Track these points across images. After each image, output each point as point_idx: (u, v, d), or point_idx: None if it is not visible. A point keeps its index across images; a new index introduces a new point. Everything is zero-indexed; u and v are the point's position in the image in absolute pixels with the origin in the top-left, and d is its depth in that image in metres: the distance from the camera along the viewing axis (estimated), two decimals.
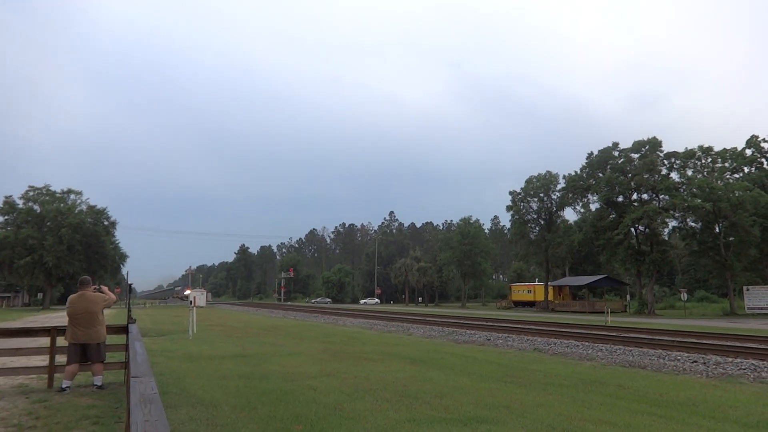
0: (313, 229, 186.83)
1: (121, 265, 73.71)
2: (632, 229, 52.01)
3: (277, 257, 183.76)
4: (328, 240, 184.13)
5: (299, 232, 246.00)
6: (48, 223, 65.04)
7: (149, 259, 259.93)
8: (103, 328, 9.30)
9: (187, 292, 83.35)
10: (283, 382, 10.31)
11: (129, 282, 13.25)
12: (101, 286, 9.86)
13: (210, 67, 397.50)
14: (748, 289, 48.09)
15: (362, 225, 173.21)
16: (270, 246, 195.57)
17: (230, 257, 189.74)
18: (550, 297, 65.04)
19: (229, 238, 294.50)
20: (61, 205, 66.75)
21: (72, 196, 68.96)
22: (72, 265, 64.09)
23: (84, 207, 69.56)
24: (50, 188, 67.90)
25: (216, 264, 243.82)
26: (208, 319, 34.34)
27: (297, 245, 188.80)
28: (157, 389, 2.97)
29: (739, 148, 55.39)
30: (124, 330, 9.39)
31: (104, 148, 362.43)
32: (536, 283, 74.03)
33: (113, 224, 71.87)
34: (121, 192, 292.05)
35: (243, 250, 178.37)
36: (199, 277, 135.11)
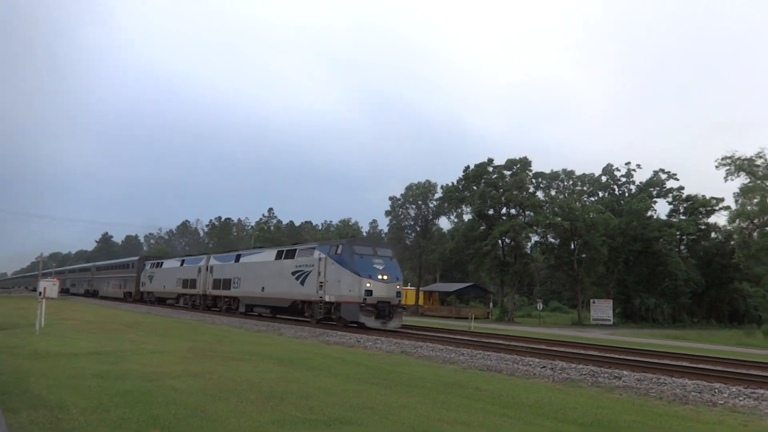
0: (186, 220, 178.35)
1: None
2: (500, 241, 55.39)
3: (144, 248, 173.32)
4: (202, 233, 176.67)
5: (170, 223, 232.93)
6: None
7: None
8: None
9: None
10: (143, 381, 9.78)
11: None
12: None
13: (83, 44, 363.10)
14: (594, 302, 53.23)
15: (239, 219, 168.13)
16: (137, 236, 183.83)
17: (90, 246, 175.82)
18: (421, 301, 67.28)
19: (89, 225, 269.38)
20: None
21: None
22: None
23: None
24: None
25: (73, 252, 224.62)
26: (61, 312, 31.56)
27: (167, 236, 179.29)
28: None
29: (596, 174, 61.62)
30: None
31: None
32: (408, 287, 76.27)
33: None
34: None
35: (105, 239, 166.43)
36: (53, 264, 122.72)
